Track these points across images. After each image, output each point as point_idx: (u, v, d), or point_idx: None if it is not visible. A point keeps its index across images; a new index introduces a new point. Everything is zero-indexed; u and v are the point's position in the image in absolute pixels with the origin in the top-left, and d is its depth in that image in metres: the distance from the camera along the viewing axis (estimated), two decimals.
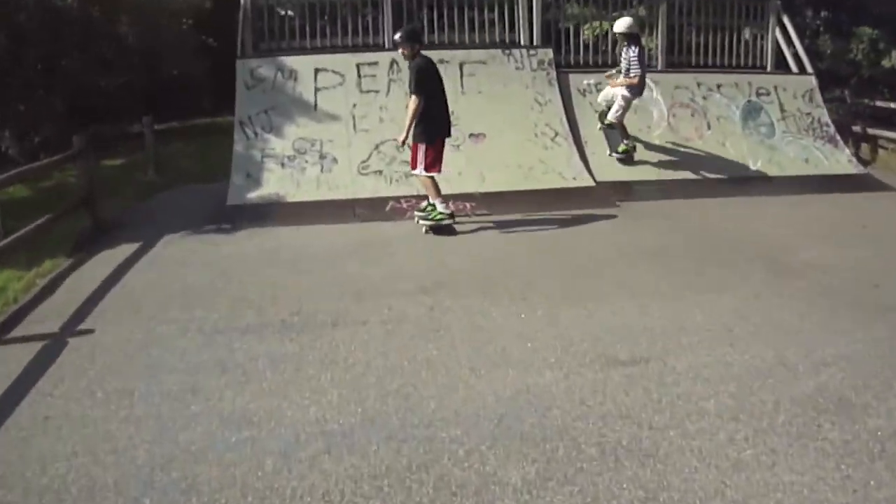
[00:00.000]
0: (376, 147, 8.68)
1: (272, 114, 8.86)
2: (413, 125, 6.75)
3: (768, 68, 11.16)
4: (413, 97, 6.73)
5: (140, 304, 5.21)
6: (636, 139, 9.33)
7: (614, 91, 8.97)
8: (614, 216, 7.72)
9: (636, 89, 8.86)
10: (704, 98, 10.12)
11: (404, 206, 7.94)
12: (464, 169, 8.55)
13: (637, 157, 9.27)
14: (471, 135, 8.96)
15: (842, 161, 9.97)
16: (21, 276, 5.92)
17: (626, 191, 8.69)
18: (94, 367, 4.19)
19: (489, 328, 4.66)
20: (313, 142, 8.71)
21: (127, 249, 6.64)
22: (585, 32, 10.72)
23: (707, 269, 5.88)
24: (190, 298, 5.28)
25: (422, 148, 6.85)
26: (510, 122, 9.15)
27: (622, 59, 8.88)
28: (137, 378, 4.03)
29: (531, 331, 4.60)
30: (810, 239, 6.80)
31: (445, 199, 7.04)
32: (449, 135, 7.13)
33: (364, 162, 8.57)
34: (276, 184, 8.31)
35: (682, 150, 9.57)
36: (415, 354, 4.25)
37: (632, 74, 8.69)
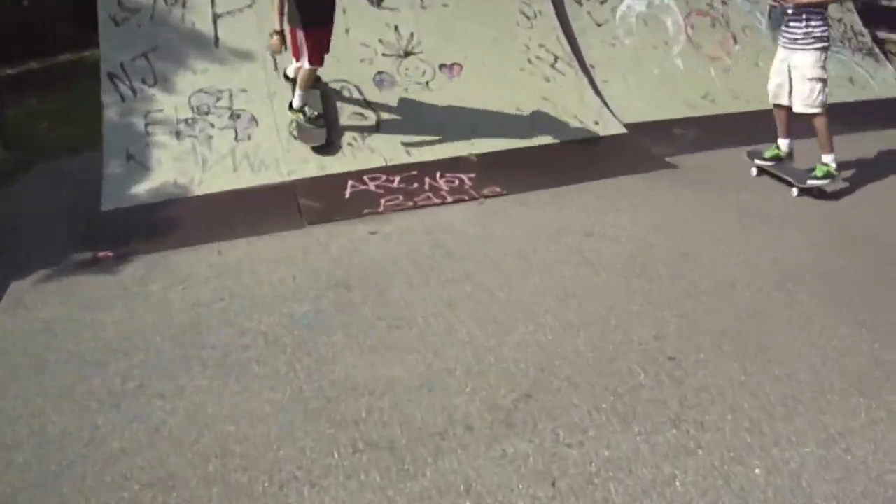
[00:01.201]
0: None
1: (154, 58, 6.05)
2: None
3: None
4: None
5: None
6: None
7: (786, 57, 5.11)
8: (683, 189, 5.35)
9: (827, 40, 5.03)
10: (724, 3, 7.87)
11: (372, 186, 5.47)
12: (442, 118, 6.10)
13: (658, 82, 7.05)
14: (441, 66, 6.46)
15: (889, 80, 7.95)
16: None
17: (661, 137, 6.42)
18: None
19: None
20: (219, 94, 6.02)
21: None
22: None
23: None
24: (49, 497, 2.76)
25: (300, 34, 5.38)
26: (492, 44, 6.69)
27: None
28: None
29: None
30: None
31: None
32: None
33: None
34: (171, 166, 5.62)
35: (711, 72, 7.35)
36: None
37: None
